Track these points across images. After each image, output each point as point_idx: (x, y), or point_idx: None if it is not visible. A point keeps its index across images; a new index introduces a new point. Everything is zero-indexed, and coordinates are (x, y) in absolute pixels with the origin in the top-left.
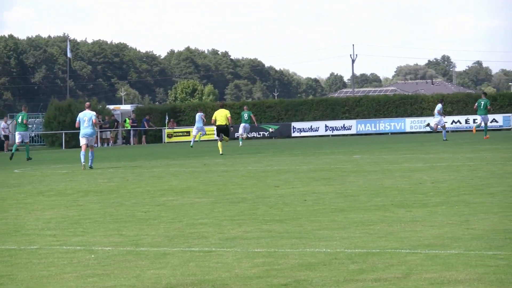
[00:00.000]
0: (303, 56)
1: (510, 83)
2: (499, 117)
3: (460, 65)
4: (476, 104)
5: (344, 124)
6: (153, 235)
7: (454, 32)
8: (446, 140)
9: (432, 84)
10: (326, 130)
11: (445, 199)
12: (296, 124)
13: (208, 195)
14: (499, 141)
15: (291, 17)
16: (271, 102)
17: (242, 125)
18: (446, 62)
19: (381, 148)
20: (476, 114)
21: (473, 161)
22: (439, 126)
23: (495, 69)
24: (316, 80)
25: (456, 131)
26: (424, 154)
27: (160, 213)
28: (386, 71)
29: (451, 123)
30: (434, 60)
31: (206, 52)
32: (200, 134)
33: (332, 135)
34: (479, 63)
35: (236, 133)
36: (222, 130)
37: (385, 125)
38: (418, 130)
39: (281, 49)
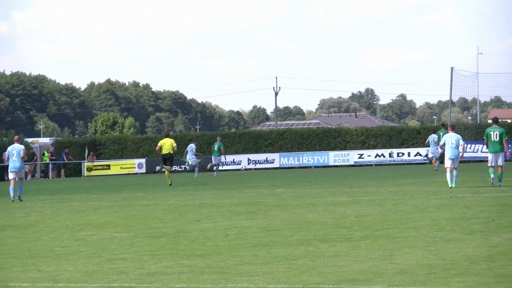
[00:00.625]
0: (226, 88)
1: (434, 116)
2: (423, 151)
3: (384, 98)
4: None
5: (267, 158)
6: (71, 270)
7: (378, 65)
8: (437, 170)
9: (356, 117)
10: (249, 163)
11: (368, 233)
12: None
13: (128, 229)
14: (422, 175)
15: (214, 49)
16: (193, 135)
17: (213, 157)
18: (370, 95)
19: (304, 182)
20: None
21: (397, 195)
22: (433, 156)
23: (419, 102)
24: (238, 113)
25: (380, 164)
26: (347, 188)
27: (79, 248)
28: (309, 104)
29: (375, 157)
30: (358, 93)
31: (127, 84)
32: (192, 164)
33: (255, 169)
34: (403, 96)
35: (209, 164)
36: (167, 159)
37: (308, 158)
38: (341, 163)
39: (203, 82)
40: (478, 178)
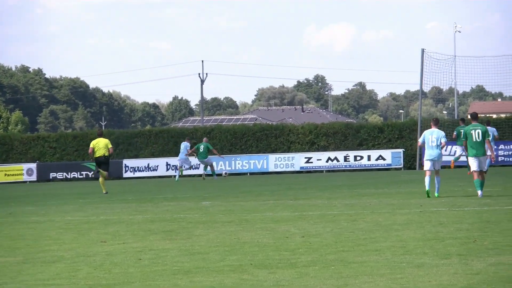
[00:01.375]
0: (139, 75)
1: (400, 110)
2: (387, 154)
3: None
4: (455, 133)
5: (190, 162)
6: None
7: (330, 47)
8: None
9: (303, 111)
10: (167, 170)
11: (318, 257)
12: (128, 162)
13: (15, 253)
14: (385, 184)
15: (122, 26)
16: (97, 132)
17: (198, 159)
18: (320, 84)
19: (237, 192)
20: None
21: (354, 209)
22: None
23: (381, 92)
24: (155, 106)
25: (332, 170)
26: (292, 200)
27: None
28: (244, 95)
29: (326, 161)
30: (305, 81)
31: (13, 69)
32: (183, 167)
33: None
34: (361, 85)
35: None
36: (102, 163)
37: (242, 162)
38: (284, 169)
39: (110, 66)
40: (456, 188)
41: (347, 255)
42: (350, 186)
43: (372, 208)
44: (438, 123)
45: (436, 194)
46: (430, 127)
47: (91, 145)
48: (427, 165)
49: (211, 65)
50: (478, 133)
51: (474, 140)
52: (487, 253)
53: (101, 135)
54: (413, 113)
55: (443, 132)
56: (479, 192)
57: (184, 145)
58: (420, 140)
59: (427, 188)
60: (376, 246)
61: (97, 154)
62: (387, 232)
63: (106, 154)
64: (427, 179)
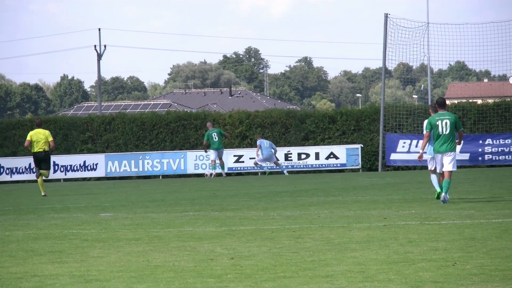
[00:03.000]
0: (16, 47)
1: (357, 94)
2: (340, 150)
3: (276, 65)
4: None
5: (85, 161)
6: None
7: (264, 10)
8: None
9: (231, 95)
10: (55, 171)
11: (252, 286)
12: (4, 161)
13: None
14: (339, 191)
15: None
16: None
17: (212, 151)
18: (252, 60)
19: (147, 201)
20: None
21: (298, 223)
22: None
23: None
24: (38, 88)
25: (270, 172)
26: (217, 211)
27: None
28: (154, 74)
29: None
30: (234, 56)
31: None
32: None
33: (66, 179)
34: (307, 61)
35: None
36: (42, 160)
37: (153, 162)
38: (207, 170)
39: None
40: (429, 195)
41: (289, 283)
42: (293, 193)
43: (322, 221)
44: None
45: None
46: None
47: (28, 137)
48: (431, 162)
49: (110, 35)
50: (446, 123)
51: (441, 132)
52: (470, 280)
53: (40, 125)
54: (374, 98)
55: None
56: (443, 194)
57: (261, 141)
58: (427, 129)
59: (438, 189)
60: (327, 270)
61: (36, 149)
62: (341, 252)
63: (46, 149)
64: (433, 177)
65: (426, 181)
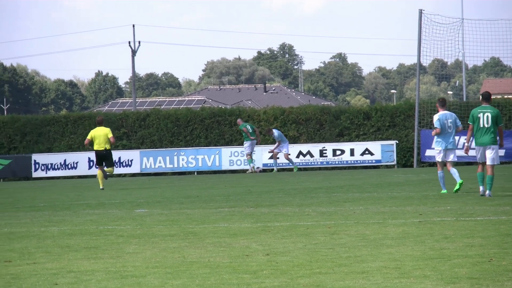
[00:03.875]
0: (50, 44)
1: (392, 90)
2: (375, 147)
3: (311, 61)
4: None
5: (119, 157)
6: None
7: (299, 7)
8: None
9: (265, 92)
10: (90, 167)
11: (287, 282)
12: (39, 157)
13: None
14: (374, 186)
15: None
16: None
17: (249, 143)
18: (287, 56)
19: (182, 198)
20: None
21: (333, 219)
22: None
23: (367, 67)
24: (72, 85)
25: (305, 168)
26: (252, 208)
27: None
28: (189, 70)
29: (297, 156)
30: (268, 52)
31: None
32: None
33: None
34: (341, 57)
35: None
36: (103, 158)
37: (187, 158)
38: (243, 167)
39: (12, 32)
40: (465, 191)
41: (324, 279)
42: (328, 189)
43: (357, 217)
44: (446, 105)
45: (458, 184)
46: (438, 111)
47: (88, 136)
48: (439, 156)
49: (145, 31)
50: (488, 117)
51: (482, 125)
52: (507, 276)
53: (100, 123)
54: (409, 94)
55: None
56: (481, 188)
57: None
58: (437, 125)
59: (443, 190)
60: (363, 267)
61: (97, 147)
62: (376, 248)
63: (108, 147)
64: (441, 176)
65: (462, 177)
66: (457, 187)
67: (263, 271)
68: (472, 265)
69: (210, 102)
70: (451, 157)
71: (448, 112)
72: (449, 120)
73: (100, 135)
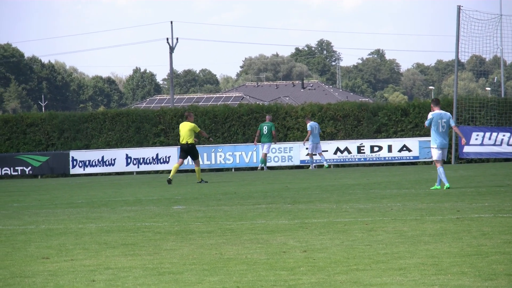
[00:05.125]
0: (88, 41)
1: (430, 87)
2: (413, 143)
3: (349, 57)
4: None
5: (157, 154)
6: None
7: (337, 3)
8: None
9: (303, 88)
10: (128, 164)
11: (324, 279)
12: (77, 154)
13: None
14: (411, 183)
15: None
16: (35, 116)
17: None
18: (325, 52)
19: (220, 194)
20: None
21: (371, 216)
22: None
23: (405, 63)
24: (110, 81)
25: (342, 165)
26: (290, 204)
27: None
28: (226, 67)
29: (334, 153)
30: (306, 49)
31: None
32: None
33: (139, 172)
34: (379, 53)
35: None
36: (187, 152)
37: (225, 155)
38: (280, 163)
39: (50, 29)
40: (503, 187)
41: (362, 275)
42: (366, 186)
43: (394, 214)
44: (440, 104)
45: (438, 186)
46: (432, 110)
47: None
48: (437, 154)
49: (182, 28)
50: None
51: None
52: None
53: (186, 117)
54: (447, 90)
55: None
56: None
57: (313, 125)
58: (427, 123)
59: (446, 184)
60: (400, 263)
61: (181, 141)
62: (414, 245)
63: (190, 141)
64: (441, 171)
65: (500, 173)
66: (435, 187)
67: (300, 267)
68: (510, 262)
69: (248, 99)
70: (444, 156)
71: (443, 111)
72: (443, 120)
73: (183, 130)
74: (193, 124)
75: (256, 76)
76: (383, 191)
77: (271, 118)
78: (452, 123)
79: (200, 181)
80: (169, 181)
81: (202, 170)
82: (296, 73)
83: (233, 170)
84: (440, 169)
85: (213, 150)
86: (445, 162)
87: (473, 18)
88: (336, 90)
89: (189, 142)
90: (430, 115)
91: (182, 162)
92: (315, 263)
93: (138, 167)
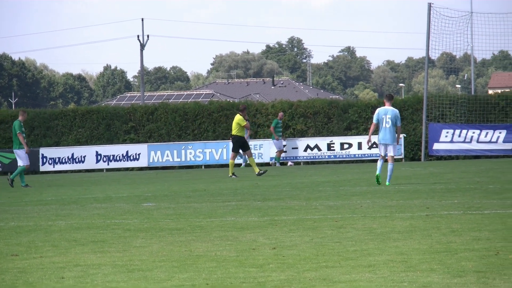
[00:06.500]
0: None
1: (400, 84)
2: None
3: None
4: None
5: (127, 151)
6: None
7: (307, 1)
8: None
9: (274, 85)
10: (98, 161)
11: (294, 276)
12: (46, 151)
13: None
14: (381, 180)
15: None
16: (5, 113)
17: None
18: (295, 50)
19: (189, 191)
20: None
21: (340, 213)
22: None
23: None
24: (81, 78)
25: (312, 162)
26: (260, 201)
27: None
28: (197, 64)
29: (304, 150)
30: (276, 46)
31: None
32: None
33: (109, 169)
34: (350, 50)
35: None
36: (233, 143)
37: (195, 152)
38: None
39: (21, 27)
40: (472, 185)
41: (331, 272)
42: (336, 183)
43: (364, 211)
44: (392, 100)
45: (387, 183)
46: (384, 105)
47: None
48: (379, 149)
49: (153, 25)
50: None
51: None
52: None
53: (239, 110)
54: (417, 88)
55: (398, 111)
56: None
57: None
58: (374, 119)
59: (377, 172)
60: (370, 260)
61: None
62: (383, 242)
63: (233, 133)
64: (379, 163)
65: (470, 170)
66: (387, 183)
67: (270, 264)
68: (479, 259)
69: (218, 96)
70: (390, 152)
71: (391, 108)
72: (388, 116)
73: (233, 122)
74: (240, 117)
75: (227, 73)
76: (353, 188)
77: (282, 116)
78: (398, 123)
79: (232, 175)
80: (234, 175)
81: (172, 167)
82: (267, 70)
83: (203, 167)
84: (380, 161)
85: (183, 147)
86: (415, 159)
87: (443, 15)
88: (306, 87)
89: (232, 134)
90: (376, 111)
91: (234, 156)
92: (285, 260)
93: (108, 164)
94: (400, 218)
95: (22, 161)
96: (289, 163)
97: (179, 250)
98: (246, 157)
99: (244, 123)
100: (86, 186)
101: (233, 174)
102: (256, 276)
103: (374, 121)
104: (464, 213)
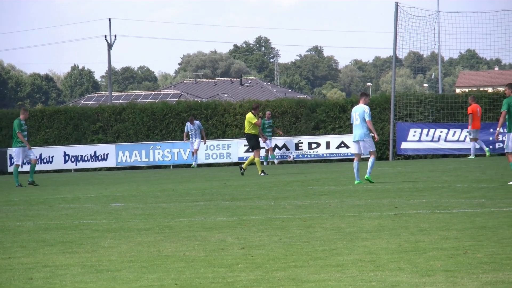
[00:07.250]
0: (26, 37)
1: (368, 83)
2: (351, 140)
3: (287, 54)
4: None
5: (95, 151)
6: None
7: (274, 0)
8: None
9: (241, 85)
10: (66, 161)
11: (262, 275)
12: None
13: None
14: (349, 179)
15: None
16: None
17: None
18: (263, 49)
19: (157, 191)
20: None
21: (309, 212)
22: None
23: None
24: (48, 79)
25: (280, 162)
26: (228, 201)
27: None
28: (164, 64)
29: (275, 150)
30: (244, 46)
31: None
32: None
33: (77, 170)
34: (317, 50)
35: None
36: (250, 141)
37: (163, 152)
38: (219, 160)
39: None
40: (440, 184)
41: (300, 272)
42: (304, 182)
43: (333, 210)
44: (366, 97)
45: (366, 176)
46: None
47: None
48: (352, 147)
49: (121, 25)
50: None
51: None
52: (481, 269)
53: (252, 109)
54: (385, 87)
55: (367, 107)
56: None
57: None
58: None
59: (356, 180)
60: (338, 260)
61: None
62: (351, 241)
63: (245, 131)
64: (355, 166)
65: (437, 170)
66: (357, 181)
67: (239, 264)
68: (447, 258)
69: (186, 96)
70: (366, 149)
71: (360, 105)
72: (357, 113)
73: (245, 121)
74: (251, 115)
75: (195, 73)
76: (321, 188)
77: (270, 115)
78: (367, 117)
79: (261, 172)
80: (263, 172)
81: (140, 167)
82: (235, 70)
83: (171, 167)
84: (354, 164)
85: (151, 147)
86: (383, 158)
87: (410, 14)
88: (274, 87)
89: (245, 132)
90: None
91: (258, 153)
92: (253, 260)
93: (76, 164)
94: (368, 217)
95: (14, 159)
96: (291, 156)
97: (148, 251)
98: (253, 154)
99: (255, 120)
100: (54, 186)
101: (262, 171)
102: (225, 276)
103: (351, 121)
104: (432, 212)
